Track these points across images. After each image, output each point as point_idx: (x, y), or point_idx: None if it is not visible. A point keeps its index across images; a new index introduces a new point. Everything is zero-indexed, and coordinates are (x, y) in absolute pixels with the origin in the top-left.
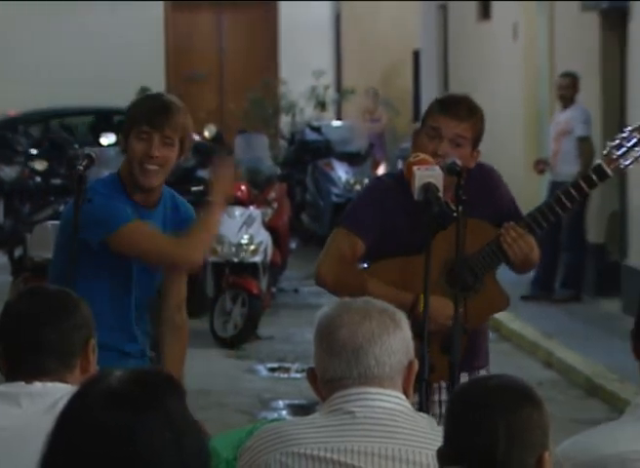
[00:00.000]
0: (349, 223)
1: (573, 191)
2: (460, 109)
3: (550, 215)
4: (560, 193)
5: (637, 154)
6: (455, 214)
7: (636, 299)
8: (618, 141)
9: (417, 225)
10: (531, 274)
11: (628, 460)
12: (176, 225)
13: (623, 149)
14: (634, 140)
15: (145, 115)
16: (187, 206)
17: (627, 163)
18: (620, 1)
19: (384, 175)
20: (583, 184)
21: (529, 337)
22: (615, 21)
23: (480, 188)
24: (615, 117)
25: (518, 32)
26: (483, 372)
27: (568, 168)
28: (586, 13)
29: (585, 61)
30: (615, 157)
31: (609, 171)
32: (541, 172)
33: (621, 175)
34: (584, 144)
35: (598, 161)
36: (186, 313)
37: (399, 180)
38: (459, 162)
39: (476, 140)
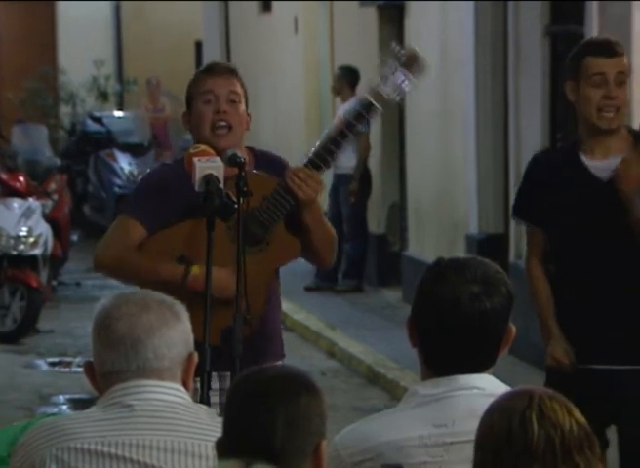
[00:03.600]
0: (129, 209)
1: (347, 130)
2: (221, 68)
3: (333, 147)
4: (340, 125)
5: (398, 81)
6: (235, 206)
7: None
8: (383, 74)
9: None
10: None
11: (405, 447)
12: None
13: (388, 80)
14: (397, 73)
15: None
16: None
17: (391, 92)
18: None
19: (168, 162)
20: (359, 116)
21: (312, 328)
22: (392, 16)
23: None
24: (393, 110)
25: (299, 26)
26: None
27: (347, 160)
28: (365, 7)
29: (364, 55)
30: (380, 89)
31: (376, 104)
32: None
33: (401, 166)
34: (361, 138)
35: (365, 95)
36: None
37: (182, 166)
38: (240, 153)
39: (246, 98)
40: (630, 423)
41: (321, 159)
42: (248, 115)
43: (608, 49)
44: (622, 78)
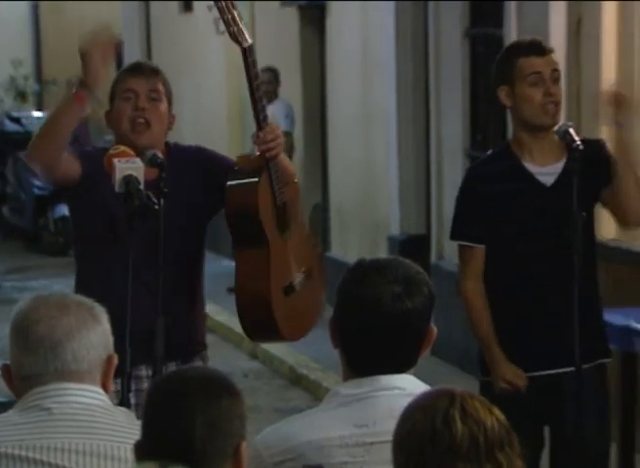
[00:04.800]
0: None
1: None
2: (144, 67)
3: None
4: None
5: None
6: (156, 207)
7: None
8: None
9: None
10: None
11: (326, 447)
12: None
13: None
14: None
15: None
16: None
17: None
18: None
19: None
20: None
21: (235, 329)
22: (313, 17)
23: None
24: (315, 111)
25: (220, 26)
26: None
27: None
28: (286, 8)
29: (286, 56)
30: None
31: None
32: None
33: (323, 168)
34: (286, 139)
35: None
36: None
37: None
38: (160, 154)
39: (170, 98)
40: (566, 424)
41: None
42: (172, 116)
43: (539, 48)
44: (557, 75)
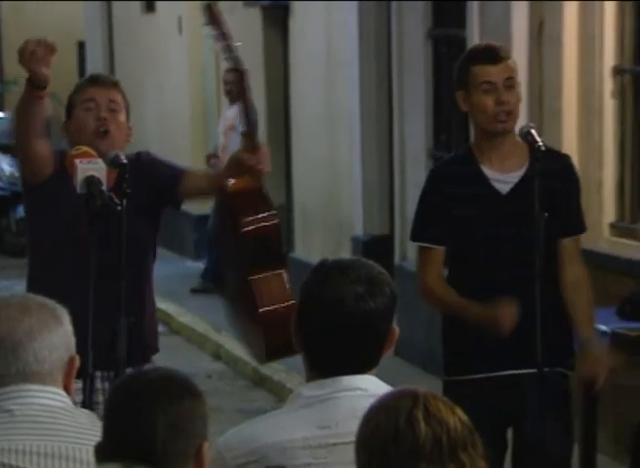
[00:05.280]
0: None
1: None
2: (103, 79)
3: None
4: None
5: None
6: (119, 208)
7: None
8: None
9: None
10: (200, 267)
11: (289, 448)
12: None
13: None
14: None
15: None
16: None
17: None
18: None
19: None
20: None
21: (198, 330)
22: (276, 18)
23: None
24: (279, 111)
25: (183, 26)
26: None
27: None
28: (249, 8)
29: (250, 57)
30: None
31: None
32: (215, 165)
33: (287, 169)
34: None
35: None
36: None
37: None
38: (122, 155)
39: (128, 111)
40: (528, 426)
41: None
42: (129, 128)
43: (492, 55)
44: (511, 83)
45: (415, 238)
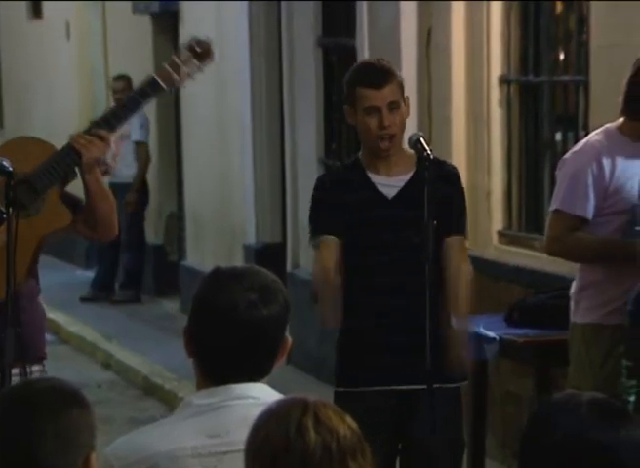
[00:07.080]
0: None
1: (130, 103)
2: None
3: (121, 113)
4: (125, 99)
5: (188, 71)
6: (4, 216)
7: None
8: (175, 61)
9: None
10: (90, 276)
11: (180, 457)
12: None
13: (179, 68)
14: (190, 63)
15: None
16: None
17: (178, 79)
18: (170, 2)
19: None
20: (144, 94)
21: (88, 339)
22: (166, 24)
23: None
24: (169, 118)
25: (71, 32)
26: (37, 368)
27: (126, 170)
28: (138, 15)
29: (139, 64)
30: (169, 71)
31: (163, 84)
32: (106, 173)
33: (178, 176)
34: (140, 149)
35: (153, 75)
36: None
37: None
38: (7, 162)
39: None
40: (416, 437)
41: (105, 121)
42: None
43: (376, 79)
44: (394, 106)
45: (315, 234)
